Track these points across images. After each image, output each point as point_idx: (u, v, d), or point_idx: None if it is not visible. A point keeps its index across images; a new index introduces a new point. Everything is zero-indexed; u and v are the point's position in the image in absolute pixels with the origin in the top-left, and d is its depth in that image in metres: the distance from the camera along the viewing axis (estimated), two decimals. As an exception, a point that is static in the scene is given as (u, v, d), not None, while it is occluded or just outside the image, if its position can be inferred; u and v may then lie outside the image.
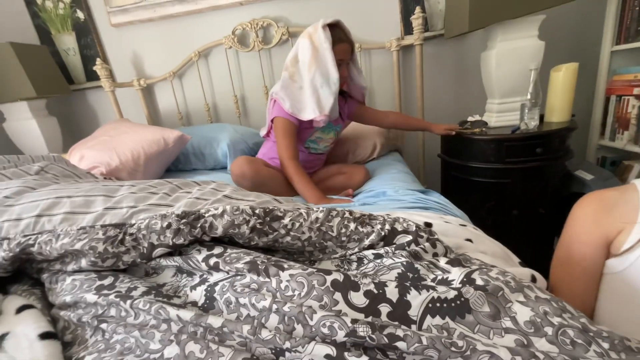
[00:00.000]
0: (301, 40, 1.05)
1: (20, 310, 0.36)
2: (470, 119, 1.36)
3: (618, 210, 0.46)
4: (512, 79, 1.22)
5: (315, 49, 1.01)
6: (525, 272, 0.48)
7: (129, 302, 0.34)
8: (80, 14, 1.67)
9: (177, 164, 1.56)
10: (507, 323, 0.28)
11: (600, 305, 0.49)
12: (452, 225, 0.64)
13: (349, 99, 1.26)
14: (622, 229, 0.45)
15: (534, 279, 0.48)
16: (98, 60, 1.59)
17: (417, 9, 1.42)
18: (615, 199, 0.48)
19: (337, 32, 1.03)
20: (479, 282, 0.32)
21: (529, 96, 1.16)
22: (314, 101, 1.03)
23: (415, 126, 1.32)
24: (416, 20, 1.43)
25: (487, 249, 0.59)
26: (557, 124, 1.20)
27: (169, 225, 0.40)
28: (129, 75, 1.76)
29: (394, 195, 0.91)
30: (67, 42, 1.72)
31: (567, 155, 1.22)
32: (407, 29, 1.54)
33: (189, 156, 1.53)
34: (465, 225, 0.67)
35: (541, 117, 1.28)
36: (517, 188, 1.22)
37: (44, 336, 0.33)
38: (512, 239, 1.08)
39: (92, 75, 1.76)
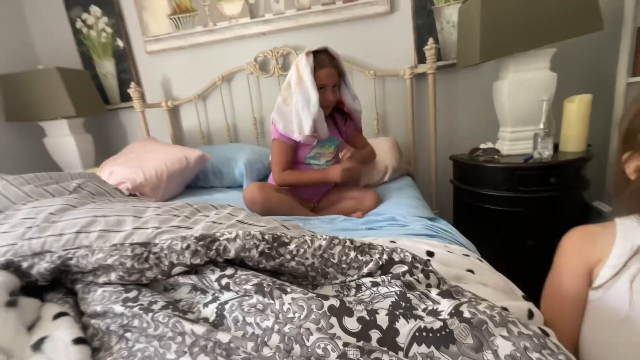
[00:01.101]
0: (292, 67, 1.14)
1: (56, 316, 0.42)
2: (482, 146, 1.38)
3: (598, 243, 0.51)
4: (525, 109, 1.24)
5: (299, 75, 1.10)
6: (523, 307, 0.49)
7: (150, 314, 0.38)
8: (120, 42, 1.84)
9: (196, 181, 1.64)
10: (489, 356, 0.30)
11: (583, 331, 0.53)
12: (455, 255, 0.66)
13: (349, 120, 1.31)
14: (600, 260, 0.49)
15: (531, 314, 0.49)
16: (132, 84, 1.74)
17: (430, 40, 1.48)
18: (597, 232, 0.52)
19: (320, 58, 1.11)
20: (466, 314, 0.34)
21: (541, 126, 1.17)
22: (296, 123, 1.12)
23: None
24: (429, 50, 1.49)
25: (488, 281, 0.60)
26: (572, 154, 1.19)
27: (188, 247, 0.44)
28: (158, 96, 1.90)
29: (402, 221, 0.93)
30: (106, 67, 1.89)
31: (583, 186, 1.20)
32: (421, 57, 1.60)
33: (208, 174, 1.61)
34: (468, 256, 0.68)
35: (556, 147, 1.28)
36: (530, 218, 1.21)
37: (77, 341, 0.37)
38: (526, 269, 1.06)
39: (125, 97, 1.91)
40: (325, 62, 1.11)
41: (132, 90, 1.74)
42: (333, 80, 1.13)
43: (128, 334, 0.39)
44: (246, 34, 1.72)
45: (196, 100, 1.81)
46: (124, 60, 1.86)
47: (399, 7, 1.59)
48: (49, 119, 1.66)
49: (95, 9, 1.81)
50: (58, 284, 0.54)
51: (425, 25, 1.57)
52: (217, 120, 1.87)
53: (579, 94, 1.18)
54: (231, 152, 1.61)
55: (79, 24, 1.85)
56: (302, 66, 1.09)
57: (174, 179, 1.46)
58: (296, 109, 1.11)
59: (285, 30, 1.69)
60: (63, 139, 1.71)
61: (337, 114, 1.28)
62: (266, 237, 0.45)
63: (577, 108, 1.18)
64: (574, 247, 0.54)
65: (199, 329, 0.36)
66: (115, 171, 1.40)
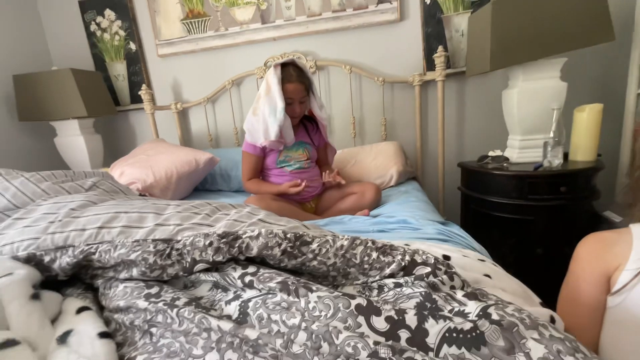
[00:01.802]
0: (263, 81, 1.21)
1: (79, 310, 0.42)
2: (491, 153, 1.38)
3: (616, 249, 0.50)
4: (534, 117, 1.24)
5: (268, 86, 1.16)
6: (544, 313, 0.49)
7: (175, 310, 0.38)
8: (133, 46, 1.87)
9: (204, 184, 1.65)
10: (521, 358, 0.30)
11: (602, 337, 0.52)
12: (471, 260, 0.66)
13: (319, 129, 1.35)
14: (619, 265, 0.49)
15: (552, 320, 0.49)
16: (143, 86, 1.76)
17: (440, 48, 1.50)
18: (613, 239, 0.52)
19: (287, 72, 1.17)
20: (495, 316, 0.34)
21: (551, 134, 1.17)
22: (262, 129, 1.18)
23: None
24: (438, 58, 1.50)
25: (506, 286, 0.59)
26: (583, 163, 1.19)
27: (210, 244, 0.44)
28: (168, 99, 1.92)
29: (414, 224, 0.93)
30: (118, 69, 1.92)
31: (594, 196, 1.20)
32: (430, 65, 1.61)
33: (216, 177, 1.62)
34: (484, 261, 0.68)
35: (565, 156, 1.28)
36: (540, 226, 1.20)
37: (102, 335, 0.37)
38: (536, 278, 1.06)
39: (136, 98, 1.93)
40: (292, 77, 1.17)
41: (142, 92, 1.76)
42: (300, 94, 1.19)
43: (153, 329, 0.39)
44: (257, 39, 1.74)
45: (205, 103, 1.83)
46: (136, 63, 1.89)
47: (409, 16, 1.61)
48: (60, 119, 1.68)
49: (109, 13, 1.85)
50: (75, 280, 0.54)
51: (434, 33, 1.59)
52: (226, 123, 1.88)
53: (589, 104, 1.19)
54: (239, 156, 1.61)
55: (93, 27, 1.88)
56: (270, 77, 1.16)
57: (183, 180, 1.46)
58: (263, 116, 1.17)
59: (296, 36, 1.72)
60: (73, 139, 1.73)
61: (307, 121, 1.34)
62: (289, 235, 0.45)
63: (587, 117, 1.18)
64: (591, 254, 0.54)
65: (226, 325, 0.35)
66: (126, 171, 1.41)
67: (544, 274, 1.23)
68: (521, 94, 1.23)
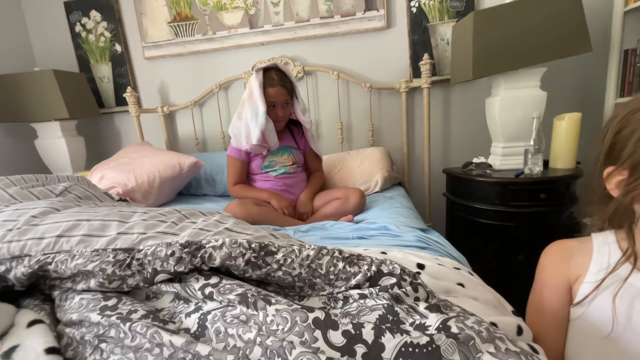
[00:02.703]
0: (247, 84, 1.21)
1: (31, 324, 0.40)
2: (475, 160, 1.39)
3: (577, 258, 0.51)
4: (516, 125, 1.26)
5: (250, 90, 1.17)
6: (512, 322, 0.49)
7: (128, 324, 0.37)
8: (118, 47, 1.85)
9: (189, 188, 1.63)
10: (476, 373, 0.30)
11: (567, 348, 0.53)
12: (446, 268, 0.65)
13: (304, 134, 1.34)
14: (579, 275, 0.49)
15: (520, 330, 0.48)
16: (129, 89, 1.73)
17: (425, 56, 1.51)
18: (575, 247, 0.52)
19: (269, 77, 1.17)
20: (454, 329, 0.34)
21: (532, 142, 1.19)
22: (245, 133, 1.18)
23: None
24: (424, 65, 1.52)
25: (479, 295, 0.59)
26: (562, 171, 1.21)
27: (172, 253, 0.43)
28: (154, 102, 1.90)
29: (394, 231, 0.93)
30: (103, 71, 1.89)
31: (573, 203, 1.22)
32: (416, 72, 1.63)
33: (201, 181, 1.60)
34: (459, 269, 0.68)
35: (546, 163, 1.30)
36: (521, 232, 1.21)
37: (49, 351, 0.36)
38: (518, 284, 1.06)
39: (121, 101, 1.90)
40: (274, 81, 1.17)
41: (128, 95, 1.73)
42: (282, 98, 1.19)
43: (103, 345, 0.37)
44: (245, 44, 1.74)
45: (192, 106, 1.81)
46: (122, 65, 1.86)
47: (396, 23, 1.63)
48: (41, 120, 1.64)
49: (95, 14, 1.82)
50: (35, 290, 0.52)
51: (420, 41, 1.61)
52: (213, 127, 1.87)
53: (569, 112, 1.21)
54: (225, 160, 1.60)
55: (78, 28, 1.85)
56: (252, 81, 1.16)
57: (166, 185, 1.44)
58: (245, 120, 1.18)
59: (284, 41, 1.72)
60: (54, 141, 1.69)
61: (293, 126, 1.34)
62: (253, 245, 0.44)
63: (566, 126, 1.20)
64: (554, 262, 0.55)
65: (178, 341, 0.34)
66: (107, 175, 1.38)
67: (526, 280, 1.24)
68: (503, 102, 1.25)
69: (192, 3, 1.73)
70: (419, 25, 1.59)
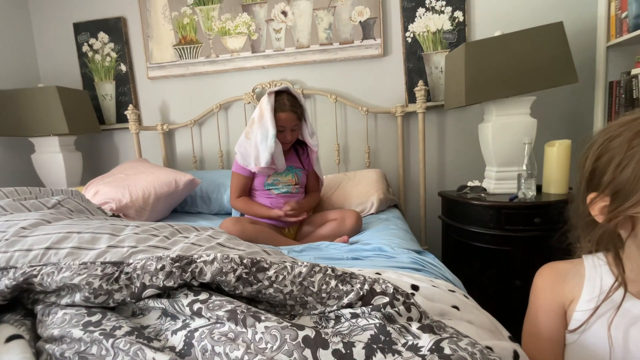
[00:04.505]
0: (258, 106, 1.23)
1: (9, 339, 0.38)
2: (470, 183, 1.41)
3: (569, 281, 0.51)
4: (509, 150, 1.29)
5: (261, 112, 1.19)
6: (508, 347, 0.48)
7: (111, 340, 0.35)
8: (123, 67, 1.90)
9: (183, 206, 1.62)
10: (470, 397, 0.29)
11: None
12: (440, 290, 0.64)
13: (309, 155, 1.36)
14: (573, 299, 0.49)
15: (516, 355, 0.47)
16: (130, 106, 1.77)
17: (420, 82, 1.57)
18: (567, 270, 0.52)
19: (281, 101, 1.19)
20: (447, 350, 0.33)
21: (524, 167, 1.21)
22: (254, 155, 1.20)
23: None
24: (419, 91, 1.57)
25: (474, 319, 0.58)
26: (555, 196, 1.23)
27: (162, 267, 0.42)
28: (155, 120, 1.93)
29: (389, 252, 0.92)
30: (107, 89, 1.93)
31: (567, 227, 1.22)
32: (411, 98, 1.68)
33: (196, 199, 1.59)
34: (454, 291, 0.67)
35: (539, 188, 1.32)
36: (518, 257, 1.21)
37: (26, 368, 0.34)
38: (515, 310, 1.04)
39: (122, 118, 1.93)
40: (285, 106, 1.19)
41: (129, 112, 1.76)
42: (291, 123, 1.21)
43: (83, 362, 0.36)
44: (246, 67, 1.80)
45: (192, 125, 1.84)
46: (125, 84, 1.91)
47: (392, 51, 1.70)
48: (40, 135, 1.65)
49: (103, 35, 1.89)
50: (17, 304, 0.50)
51: (415, 68, 1.67)
52: (211, 146, 1.89)
53: (560, 139, 1.24)
54: (221, 178, 1.61)
55: (85, 48, 1.92)
56: (264, 104, 1.18)
57: (161, 202, 1.43)
58: (255, 142, 1.19)
59: (284, 65, 1.78)
60: (51, 156, 1.69)
61: (298, 145, 1.36)
62: (245, 261, 0.43)
63: (557, 152, 1.23)
64: (547, 285, 0.54)
65: (163, 358, 0.33)
66: (101, 190, 1.37)
67: (524, 307, 1.21)
68: (495, 127, 1.28)
69: (197, 28, 1.81)
70: (413, 54, 1.67)
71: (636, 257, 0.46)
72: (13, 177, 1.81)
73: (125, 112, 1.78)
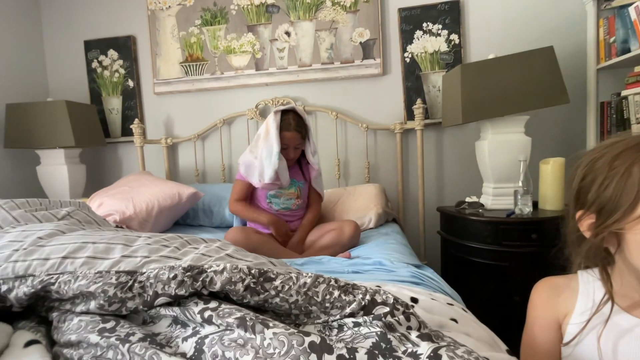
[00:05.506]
0: (264, 123, 1.28)
1: (28, 344, 0.40)
2: (468, 199, 1.44)
3: (564, 296, 0.53)
4: (505, 167, 1.32)
5: (267, 129, 1.24)
6: (505, 359, 0.49)
7: (127, 345, 0.37)
8: (131, 83, 1.96)
9: (185, 219, 1.64)
10: (466, 401, 0.31)
11: None
12: (439, 303, 0.66)
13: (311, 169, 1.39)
14: (567, 313, 0.51)
15: (513, 367, 0.49)
16: (136, 120, 1.81)
17: (419, 101, 1.63)
18: (562, 285, 0.55)
19: (287, 120, 1.24)
20: (445, 358, 0.35)
21: (520, 184, 1.24)
22: (259, 170, 1.24)
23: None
24: (417, 109, 1.62)
25: (472, 332, 0.60)
26: (551, 212, 1.26)
27: (175, 277, 0.45)
28: (159, 133, 1.97)
29: (389, 266, 0.94)
30: (114, 104, 1.99)
31: (562, 243, 1.24)
32: (410, 115, 1.73)
33: (198, 212, 1.62)
34: (452, 305, 0.68)
35: (535, 205, 1.35)
36: (515, 272, 1.22)
37: (46, 371, 0.36)
38: (513, 326, 1.04)
39: (127, 131, 1.97)
40: (290, 126, 1.24)
41: (134, 126, 1.81)
42: (295, 142, 1.26)
43: (101, 365, 0.38)
44: (250, 84, 1.86)
45: (195, 139, 1.88)
46: (132, 99, 1.97)
47: (391, 71, 1.77)
48: (47, 147, 1.69)
49: (113, 53, 1.96)
50: (30, 312, 0.52)
51: (414, 87, 1.73)
52: (214, 160, 1.92)
53: (554, 157, 1.29)
54: (223, 192, 1.63)
55: (94, 64, 1.98)
56: (270, 122, 1.23)
57: (164, 214, 1.45)
58: (260, 159, 1.24)
59: (287, 83, 1.84)
60: (56, 167, 1.72)
61: (302, 158, 1.39)
62: (253, 271, 0.46)
63: (551, 170, 1.27)
64: (543, 299, 0.56)
65: (177, 362, 0.35)
66: (105, 202, 1.39)
67: (522, 322, 1.22)
68: (491, 145, 1.33)
69: (204, 46, 1.88)
70: (412, 73, 1.73)
71: (625, 273, 0.49)
72: (17, 189, 1.84)
73: (131, 126, 1.83)
